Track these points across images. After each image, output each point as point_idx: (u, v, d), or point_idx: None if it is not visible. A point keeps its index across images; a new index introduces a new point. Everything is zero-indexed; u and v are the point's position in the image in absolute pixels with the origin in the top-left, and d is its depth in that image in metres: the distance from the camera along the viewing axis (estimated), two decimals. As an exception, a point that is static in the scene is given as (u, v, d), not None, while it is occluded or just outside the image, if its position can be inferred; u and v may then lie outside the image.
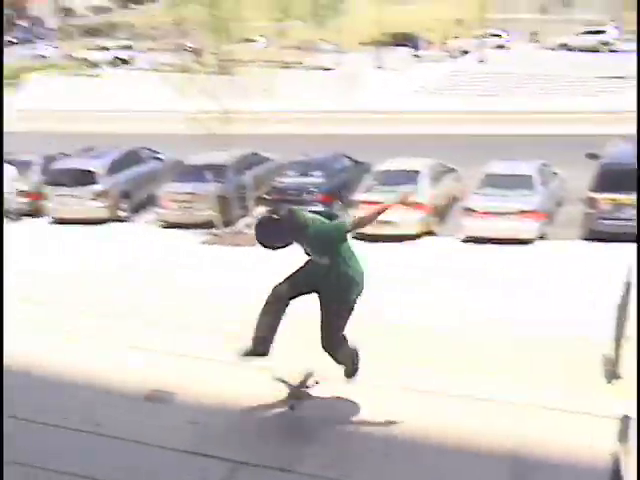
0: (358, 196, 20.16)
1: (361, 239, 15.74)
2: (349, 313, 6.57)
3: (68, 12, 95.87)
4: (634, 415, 6.20)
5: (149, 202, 23.02)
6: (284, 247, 6.41)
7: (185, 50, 32.71)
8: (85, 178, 22.76)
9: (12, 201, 22.95)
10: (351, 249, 6.60)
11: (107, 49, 63.68)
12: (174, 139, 29.48)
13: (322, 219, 6.51)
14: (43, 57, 62.64)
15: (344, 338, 6.72)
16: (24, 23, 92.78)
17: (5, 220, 22.18)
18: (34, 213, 23.24)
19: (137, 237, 20.89)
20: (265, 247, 6.37)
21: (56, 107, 40.88)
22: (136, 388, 6.31)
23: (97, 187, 22.54)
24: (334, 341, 6.61)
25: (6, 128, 26.45)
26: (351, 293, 6.51)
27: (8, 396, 6.31)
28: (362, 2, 57.44)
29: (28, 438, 6.04)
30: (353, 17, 60.79)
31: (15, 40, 75.91)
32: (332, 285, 6.40)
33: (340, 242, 6.39)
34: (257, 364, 6.78)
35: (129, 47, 66.39)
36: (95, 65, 57.27)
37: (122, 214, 22.80)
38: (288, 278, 6.56)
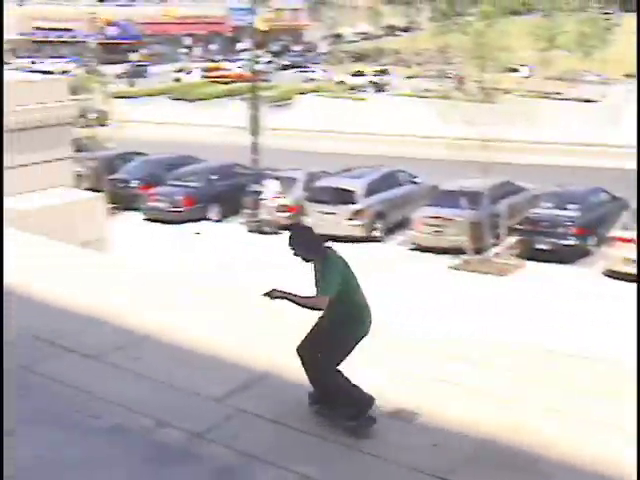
0: (614, 232, 19.41)
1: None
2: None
3: (338, 38, 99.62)
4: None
5: (403, 224, 23.40)
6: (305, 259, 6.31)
7: (448, 77, 32.97)
8: (344, 197, 23.53)
9: (272, 214, 24.23)
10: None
11: (363, 74, 65.59)
12: (432, 163, 29.80)
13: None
14: (312, 80, 65.49)
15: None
16: (298, 48, 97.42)
17: (255, 233, 23.39)
18: (292, 228, 24.31)
19: (386, 257, 21.30)
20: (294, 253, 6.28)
21: (319, 126, 42.59)
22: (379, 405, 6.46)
23: (355, 206, 23.23)
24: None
25: (269, 144, 27.91)
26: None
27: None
28: (629, 32, 55.11)
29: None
30: (619, 48, 58.51)
31: (289, 63, 79.91)
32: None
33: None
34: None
35: (385, 72, 67.99)
36: (354, 88, 59.11)
37: (376, 234, 23.31)
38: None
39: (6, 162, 16.04)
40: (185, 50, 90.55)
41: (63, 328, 8.32)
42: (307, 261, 6.35)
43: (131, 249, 19.13)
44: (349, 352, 6.33)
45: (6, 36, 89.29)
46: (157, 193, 26.33)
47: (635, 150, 25.06)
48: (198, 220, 25.49)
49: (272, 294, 6.20)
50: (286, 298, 6.16)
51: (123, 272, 10.67)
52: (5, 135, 16.04)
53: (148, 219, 26.03)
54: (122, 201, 26.09)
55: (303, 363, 6.43)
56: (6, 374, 6.70)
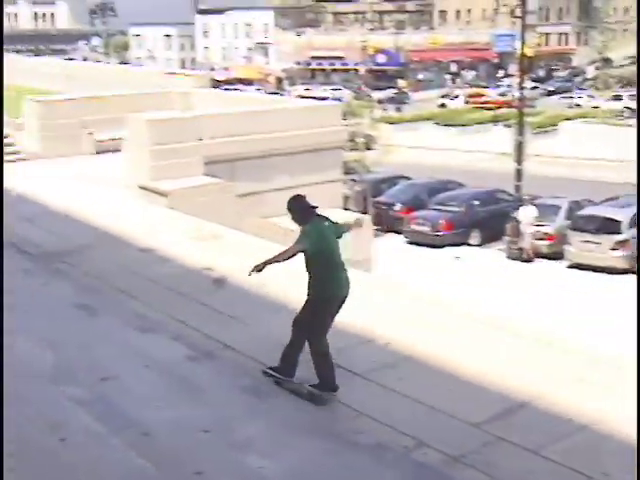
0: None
1: None
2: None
3: (606, 62, 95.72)
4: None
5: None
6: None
7: None
8: (609, 226, 22.59)
9: (531, 242, 23.71)
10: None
11: (621, 98, 62.15)
12: None
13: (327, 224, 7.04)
14: (578, 106, 63.39)
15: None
16: (564, 73, 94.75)
17: (515, 260, 23.17)
18: (551, 256, 23.67)
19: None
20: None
21: (584, 154, 41.12)
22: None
23: (619, 236, 22.23)
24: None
25: (533, 170, 27.37)
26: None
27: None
28: None
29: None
30: None
31: (554, 89, 77.89)
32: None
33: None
34: None
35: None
36: (617, 114, 56.21)
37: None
38: None
39: (282, 183, 17.03)
40: (450, 76, 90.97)
41: (335, 345, 8.63)
42: (300, 225, 7.06)
43: (393, 270, 19.50)
44: (331, 313, 7.10)
45: (284, 65, 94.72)
46: (419, 217, 26.67)
47: None
48: (458, 244, 25.51)
49: (258, 267, 6.92)
50: (269, 263, 6.90)
51: (390, 292, 10.90)
52: (283, 157, 17.04)
53: (410, 242, 26.42)
54: (386, 223, 26.69)
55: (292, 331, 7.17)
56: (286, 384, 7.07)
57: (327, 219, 7.12)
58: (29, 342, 7.29)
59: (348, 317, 9.40)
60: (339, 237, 7.26)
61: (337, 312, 7.24)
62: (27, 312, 8.53)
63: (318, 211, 7.12)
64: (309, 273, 7.01)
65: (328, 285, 7.02)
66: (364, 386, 7.63)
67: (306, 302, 7.10)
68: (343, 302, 7.20)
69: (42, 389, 5.94)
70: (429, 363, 8.13)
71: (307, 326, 7.08)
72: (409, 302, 10.21)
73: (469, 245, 25.77)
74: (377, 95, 64.81)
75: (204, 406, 6.69)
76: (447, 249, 25.16)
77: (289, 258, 6.94)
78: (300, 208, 7.10)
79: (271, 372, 7.32)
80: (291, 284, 10.27)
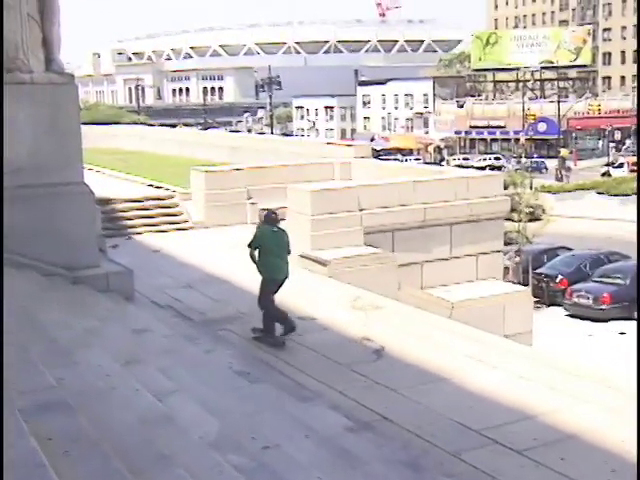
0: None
1: None
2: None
3: None
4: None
5: None
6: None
7: None
8: None
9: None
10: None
11: None
12: None
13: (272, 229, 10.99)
14: None
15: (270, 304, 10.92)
16: None
17: None
18: None
19: None
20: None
21: None
22: None
23: None
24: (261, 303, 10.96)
25: None
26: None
27: None
28: None
29: None
30: None
31: None
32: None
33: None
34: None
35: None
36: None
37: None
38: None
39: (441, 254, 16.95)
40: (614, 144, 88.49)
41: (489, 419, 8.43)
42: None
43: (553, 343, 18.91)
44: (273, 288, 10.89)
45: (443, 134, 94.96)
46: (580, 289, 25.89)
47: None
48: (623, 319, 24.47)
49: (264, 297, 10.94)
50: (252, 258, 10.93)
51: (549, 366, 10.56)
52: (442, 228, 16.99)
53: (571, 315, 25.61)
54: (545, 296, 26.04)
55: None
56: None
57: (277, 227, 11.06)
58: (193, 407, 7.49)
59: (506, 390, 9.20)
60: (280, 240, 10.96)
61: (277, 290, 10.93)
62: (191, 377, 8.79)
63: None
64: (260, 260, 10.82)
65: (269, 269, 10.81)
66: (520, 462, 7.38)
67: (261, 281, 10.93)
68: (282, 283, 10.92)
69: (205, 455, 6.08)
70: (591, 443, 7.78)
71: (262, 294, 10.89)
72: (570, 377, 9.84)
73: (635, 320, 24.65)
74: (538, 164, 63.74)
75: (364, 478, 6.65)
76: (611, 324, 24.20)
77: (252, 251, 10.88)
78: (264, 217, 11.36)
79: (259, 334, 10.96)
80: (450, 358, 10.17)
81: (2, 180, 10.87)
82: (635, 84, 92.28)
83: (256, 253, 10.85)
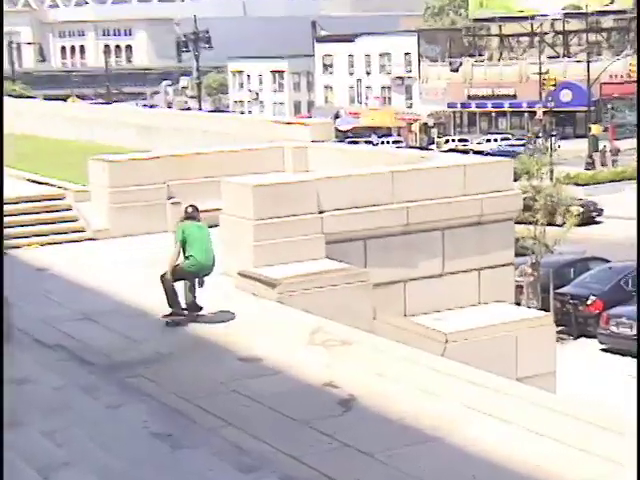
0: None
1: None
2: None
3: None
4: None
5: None
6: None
7: None
8: None
9: None
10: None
11: None
12: None
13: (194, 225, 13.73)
14: None
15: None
16: None
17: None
18: None
19: None
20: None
21: None
22: None
23: None
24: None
25: None
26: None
27: None
28: None
29: None
30: None
31: None
32: None
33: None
34: None
35: None
36: None
37: None
38: None
39: (430, 269, 17.03)
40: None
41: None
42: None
43: (584, 389, 19.10)
44: (187, 277, 13.58)
45: (432, 108, 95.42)
46: (620, 315, 26.09)
47: None
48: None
49: (166, 277, 13.53)
50: (172, 267, 13.48)
51: (580, 422, 10.68)
52: (431, 234, 17.05)
53: (605, 349, 25.84)
54: (573, 324, 26.22)
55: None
56: None
57: (197, 224, 13.74)
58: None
59: (519, 453, 9.29)
60: (208, 235, 13.75)
61: (196, 280, 13.68)
62: (90, 443, 8.75)
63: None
64: (186, 257, 13.45)
65: (197, 261, 13.36)
66: None
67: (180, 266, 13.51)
68: (206, 274, 13.67)
69: None
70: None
71: (170, 277, 13.48)
72: (609, 435, 9.96)
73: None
74: (564, 146, 64.34)
75: None
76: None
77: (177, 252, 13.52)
78: (184, 213, 14.05)
79: (171, 319, 13.60)
80: (443, 409, 10.23)
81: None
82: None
83: (181, 254, 13.63)
